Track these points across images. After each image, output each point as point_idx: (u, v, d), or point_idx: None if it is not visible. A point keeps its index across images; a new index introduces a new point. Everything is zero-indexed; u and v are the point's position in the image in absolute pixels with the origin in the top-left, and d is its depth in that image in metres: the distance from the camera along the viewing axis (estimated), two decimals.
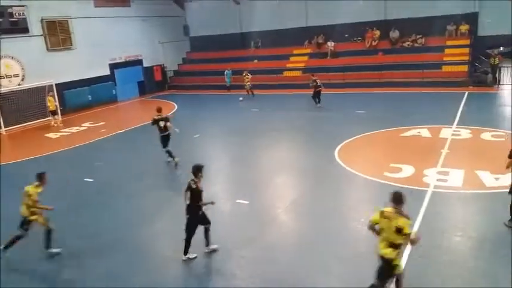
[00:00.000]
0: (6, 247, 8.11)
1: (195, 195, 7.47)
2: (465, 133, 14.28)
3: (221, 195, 11.10)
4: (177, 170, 12.77)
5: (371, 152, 13.40)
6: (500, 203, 9.02)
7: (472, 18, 24.66)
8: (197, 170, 7.56)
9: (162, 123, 12.86)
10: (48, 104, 21.06)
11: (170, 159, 13.07)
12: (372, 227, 5.96)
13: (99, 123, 20.67)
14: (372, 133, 15.16)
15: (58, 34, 24.11)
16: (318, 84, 20.06)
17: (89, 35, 25.40)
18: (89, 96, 25.56)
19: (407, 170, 11.23)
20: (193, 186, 7.44)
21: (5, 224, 9.11)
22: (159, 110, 13.08)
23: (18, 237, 8.05)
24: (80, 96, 24.90)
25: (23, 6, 22.16)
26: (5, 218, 9.64)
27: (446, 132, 14.37)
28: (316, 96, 20.12)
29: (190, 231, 7.57)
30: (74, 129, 20.02)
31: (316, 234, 8.48)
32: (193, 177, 7.52)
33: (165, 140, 13.02)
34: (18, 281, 7.56)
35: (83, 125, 20.84)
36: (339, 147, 13.72)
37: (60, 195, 11.60)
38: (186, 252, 7.63)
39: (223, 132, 17.06)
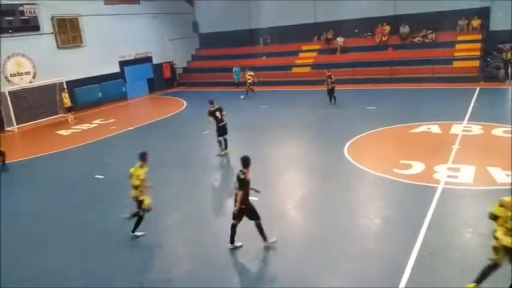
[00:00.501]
0: (133, 230, 8.66)
1: (244, 185, 7.76)
2: (476, 129, 14.14)
3: (231, 191, 11.12)
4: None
5: (381, 148, 13.33)
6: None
7: (483, 13, 24.33)
8: (246, 162, 7.94)
9: (218, 114, 13.18)
10: (65, 100, 21.21)
11: (222, 152, 13.48)
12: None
13: (110, 120, 20.83)
14: (381, 129, 15.07)
15: (68, 32, 24.29)
16: (333, 80, 19.76)
17: (99, 33, 25.56)
18: (99, 94, 25.77)
19: (418, 167, 11.15)
20: (242, 176, 7.75)
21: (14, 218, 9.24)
22: (212, 102, 13.43)
23: (139, 218, 8.65)
24: (90, 94, 25.12)
25: (33, 4, 22.37)
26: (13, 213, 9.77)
27: (457, 128, 14.23)
28: (332, 93, 19.80)
29: (237, 219, 7.83)
30: (84, 126, 20.20)
31: (325, 230, 8.48)
32: (241, 168, 7.88)
33: (224, 129, 13.38)
34: None
35: (93, 122, 21.01)
36: (349, 143, 13.66)
37: (71, 191, 11.76)
38: (232, 241, 7.86)
39: (232, 129, 16.97)
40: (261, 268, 7.42)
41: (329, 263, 7.30)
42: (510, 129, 13.81)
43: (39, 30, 22.80)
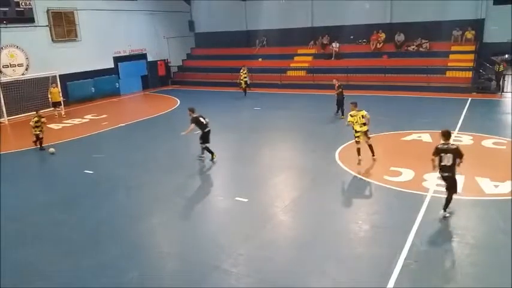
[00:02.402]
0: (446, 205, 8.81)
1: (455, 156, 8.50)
2: (467, 139, 14.26)
3: (220, 192, 11.14)
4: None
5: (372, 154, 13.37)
6: (498, 211, 9.05)
7: (478, 25, 24.62)
8: (448, 134, 8.71)
9: (202, 120, 12.84)
10: (50, 95, 20.89)
11: (203, 155, 13.15)
12: None
13: (102, 116, 20.71)
14: (373, 136, 15.09)
15: (63, 25, 24.14)
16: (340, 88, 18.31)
17: (94, 28, 25.46)
18: (92, 89, 25.62)
19: (407, 174, 11.23)
20: (450, 147, 8.51)
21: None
22: (193, 110, 13.04)
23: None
24: (84, 88, 24.96)
25: None
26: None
27: None
28: (341, 103, 18.19)
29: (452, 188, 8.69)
30: (76, 121, 20.07)
31: (314, 234, 8.50)
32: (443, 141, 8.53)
33: (207, 136, 12.94)
34: None
35: (85, 116, 20.88)
36: (340, 148, 13.73)
37: (60, 186, 11.67)
38: (446, 208, 8.69)
39: (224, 129, 17.05)
40: (249, 270, 7.41)
41: (317, 266, 7.31)
42: (500, 141, 13.98)
43: (34, 22, 22.64)
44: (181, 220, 9.46)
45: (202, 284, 6.94)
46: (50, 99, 21.00)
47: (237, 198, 10.23)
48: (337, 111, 18.38)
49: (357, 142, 12.25)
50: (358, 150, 12.20)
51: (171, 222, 9.43)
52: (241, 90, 24.76)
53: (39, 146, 15.14)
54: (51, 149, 14.45)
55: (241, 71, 24.93)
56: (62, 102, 21.49)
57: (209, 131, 12.92)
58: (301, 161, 13.31)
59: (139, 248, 8.24)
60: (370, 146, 12.34)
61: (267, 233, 8.65)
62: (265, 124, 17.78)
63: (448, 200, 8.75)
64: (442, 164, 8.59)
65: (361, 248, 8.03)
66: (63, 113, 21.19)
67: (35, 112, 15.70)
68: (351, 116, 12.28)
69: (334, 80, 18.77)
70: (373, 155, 12.28)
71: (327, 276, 7.02)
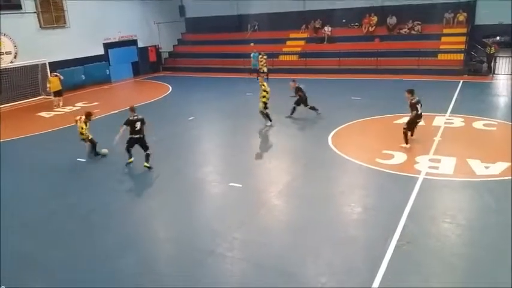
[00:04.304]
0: None
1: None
2: (458, 121, 14.38)
3: (215, 177, 11.16)
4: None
5: (364, 138, 13.46)
6: (489, 192, 9.18)
7: (469, 7, 24.59)
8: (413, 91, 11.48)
9: (138, 125, 11.25)
10: (49, 85, 20.15)
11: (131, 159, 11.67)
12: None
13: (93, 104, 20.52)
14: (366, 119, 15.22)
15: (52, 11, 23.74)
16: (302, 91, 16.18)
17: (83, 14, 25.05)
18: (83, 76, 25.33)
19: (400, 157, 11.32)
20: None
21: None
22: (134, 110, 11.53)
23: None
24: (74, 76, 24.62)
25: None
26: None
27: (439, 120, 14.45)
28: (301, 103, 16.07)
29: None
30: (67, 109, 19.87)
31: (307, 218, 8.58)
32: None
33: (136, 142, 11.41)
34: None
35: (76, 104, 20.68)
36: (333, 132, 13.77)
37: (53, 174, 11.61)
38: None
39: (218, 115, 17.03)
40: (243, 254, 7.48)
41: (312, 249, 7.40)
42: (490, 122, 14.10)
43: (21, 9, 22.22)
44: (175, 206, 9.49)
45: (198, 268, 7.00)
46: (49, 88, 20.25)
47: (231, 184, 10.27)
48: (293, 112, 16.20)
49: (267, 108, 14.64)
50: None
51: (165, 209, 9.45)
52: (256, 76, 23.76)
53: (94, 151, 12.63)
54: (104, 150, 12.60)
55: (260, 57, 24.33)
56: (61, 91, 20.48)
57: (140, 138, 11.36)
58: (294, 146, 13.35)
59: (135, 234, 8.27)
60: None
61: (262, 217, 8.72)
62: (255, 109, 17.71)
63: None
64: (419, 112, 11.77)
65: (354, 231, 8.13)
66: (61, 104, 20.64)
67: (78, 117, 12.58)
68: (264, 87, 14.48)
69: (291, 83, 16.35)
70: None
71: (322, 260, 7.11)
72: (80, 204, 9.68)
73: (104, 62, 26.95)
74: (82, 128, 12.28)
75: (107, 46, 27.28)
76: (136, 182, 11.04)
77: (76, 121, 12.48)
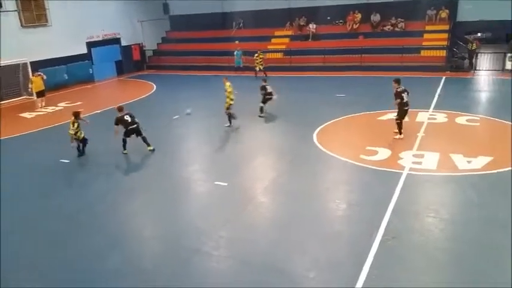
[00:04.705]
0: None
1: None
2: (441, 117, 14.57)
3: (200, 176, 11.13)
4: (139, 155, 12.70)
5: (348, 134, 13.56)
6: (471, 186, 9.32)
7: (451, 4, 24.92)
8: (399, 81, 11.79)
9: (127, 118, 12.27)
10: (31, 85, 19.82)
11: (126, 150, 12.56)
12: None
13: (76, 103, 20.24)
14: (350, 116, 15.32)
15: (33, 10, 23.32)
16: (269, 91, 16.07)
17: (66, 12, 24.68)
18: (65, 75, 24.94)
19: (383, 153, 11.43)
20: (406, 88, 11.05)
21: None
22: (121, 109, 12.45)
23: None
24: (56, 75, 24.18)
25: None
26: None
27: (422, 116, 14.62)
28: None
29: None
30: (49, 109, 19.57)
31: (293, 214, 8.61)
32: None
33: (135, 130, 12.42)
34: None
35: (59, 104, 20.38)
36: (318, 130, 13.83)
37: (36, 176, 11.43)
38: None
39: (202, 113, 16.94)
40: (230, 252, 7.47)
41: (297, 246, 7.43)
42: (473, 118, 14.32)
43: (1, 7, 21.73)
44: (161, 205, 9.42)
45: (184, 267, 6.98)
46: (31, 89, 19.92)
47: (216, 183, 10.24)
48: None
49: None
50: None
51: (151, 208, 9.38)
52: (254, 75, 23.86)
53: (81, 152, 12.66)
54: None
55: (256, 55, 24.24)
56: (44, 91, 20.10)
57: (136, 127, 12.39)
58: (279, 143, 13.38)
59: (121, 234, 8.20)
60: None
61: (247, 215, 8.72)
62: (243, 106, 17.66)
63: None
64: (405, 101, 12.35)
65: (339, 227, 8.19)
66: (43, 104, 20.13)
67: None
68: (229, 87, 14.62)
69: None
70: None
71: (308, 256, 7.14)
72: (65, 205, 9.55)
73: (87, 61, 26.61)
74: (74, 131, 12.24)
75: (90, 45, 26.94)
76: (121, 182, 10.93)
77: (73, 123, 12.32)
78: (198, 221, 8.56)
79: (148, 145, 12.58)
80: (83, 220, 8.80)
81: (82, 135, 12.53)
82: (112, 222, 8.74)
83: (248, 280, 6.55)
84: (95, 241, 7.93)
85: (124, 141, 12.49)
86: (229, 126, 14.79)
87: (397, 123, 12.61)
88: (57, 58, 24.38)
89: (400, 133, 12.57)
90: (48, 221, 8.81)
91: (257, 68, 24.00)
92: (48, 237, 8.18)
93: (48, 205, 9.55)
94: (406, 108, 12.50)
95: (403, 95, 12.40)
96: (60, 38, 24.41)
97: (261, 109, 16.05)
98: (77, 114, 12.48)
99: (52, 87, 23.49)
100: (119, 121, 12.29)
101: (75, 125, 12.25)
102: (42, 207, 9.44)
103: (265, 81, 16.52)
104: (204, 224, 8.34)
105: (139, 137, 12.51)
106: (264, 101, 16.06)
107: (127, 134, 12.44)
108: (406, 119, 12.84)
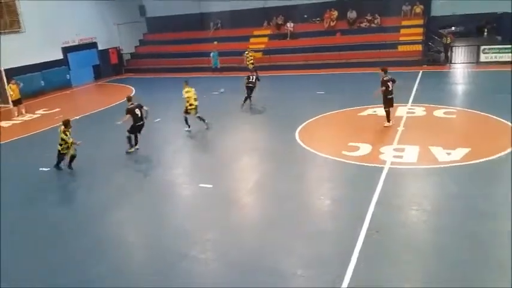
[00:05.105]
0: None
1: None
2: (419, 111, 14.83)
3: (184, 179, 11.08)
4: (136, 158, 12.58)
5: (330, 131, 13.70)
6: (451, 177, 9.53)
7: None
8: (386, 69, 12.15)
9: (138, 111, 12.54)
10: (11, 92, 19.37)
11: (130, 150, 12.79)
12: None
13: (54, 110, 19.88)
14: (331, 113, 15.45)
15: (5, 15, 22.80)
16: (251, 80, 17.13)
17: (39, 17, 24.17)
18: (42, 82, 24.46)
19: (365, 148, 11.57)
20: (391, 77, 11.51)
21: None
22: (130, 99, 12.87)
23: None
24: (32, 82, 23.63)
25: None
26: None
27: (401, 111, 14.85)
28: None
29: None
30: (27, 117, 19.18)
31: (278, 213, 8.65)
32: None
33: (138, 129, 12.75)
34: None
35: (36, 112, 19.97)
36: (300, 127, 13.91)
37: (15, 186, 11.20)
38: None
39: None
40: (217, 255, 7.46)
41: (284, 244, 7.47)
42: (450, 110, 14.62)
43: None
44: (146, 210, 9.35)
45: (171, 273, 6.94)
46: (11, 96, 19.52)
47: (201, 185, 10.22)
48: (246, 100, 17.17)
49: (188, 113, 14.33)
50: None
51: (136, 213, 9.31)
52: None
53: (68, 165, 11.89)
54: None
55: (246, 53, 24.08)
56: (21, 99, 19.69)
57: (142, 124, 12.75)
58: (262, 143, 13.41)
59: (105, 240, 8.10)
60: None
61: (233, 216, 8.72)
62: (225, 107, 17.66)
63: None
64: (390, 89, 13.02)
65: (325, 223, 8.27)
66: (23, 111, 19.64)
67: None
68: (186, 92, 14.27)
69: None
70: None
71: (294, 253, 7.19)
72: (48, 212, 9.39)
73: (63, 66, 26.15)
74: (67, 140, 11.50)
75: (66, 50, 26.47)
76: (104, 190, 10.78)
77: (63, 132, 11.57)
78: (184, 225, 8.53)
79: (135, 144, 12.75)
80: (67, 228, 8.66)
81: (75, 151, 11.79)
82: (96, 229, 8.60)
83: (237, 281, 6.55)
84: (81, 248, 7.82)
85: (129, 139, 12.54)
86: (188, 130, 14.59)
87: (386, 112, 13.28)
88: (33, 65, 23.85)
89: (388, 120, 13.23)
90: (31, 230, 8.64)
91: (250, 67, 23.90)
92: (31, 245, 8.03)
93: (31, 214, 9.36)
94: (390, 96, 13.07)
95: (388, 83, 13.09)
96: (35, 44, 23.90)
97: (245, 100, 16.50)
98: (67, 123, 11.78)
99: (29, 95, 22.99)
100: (129, 112, 12.41)
101: (67, 133, 11.58)
102: (24, 216, 9.26)
103: (254, 79, 16.89)
104: (191, 228, 8.33)
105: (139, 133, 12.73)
106: (248, 93, 16.64)
107: (132, 130, 12.50)
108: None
